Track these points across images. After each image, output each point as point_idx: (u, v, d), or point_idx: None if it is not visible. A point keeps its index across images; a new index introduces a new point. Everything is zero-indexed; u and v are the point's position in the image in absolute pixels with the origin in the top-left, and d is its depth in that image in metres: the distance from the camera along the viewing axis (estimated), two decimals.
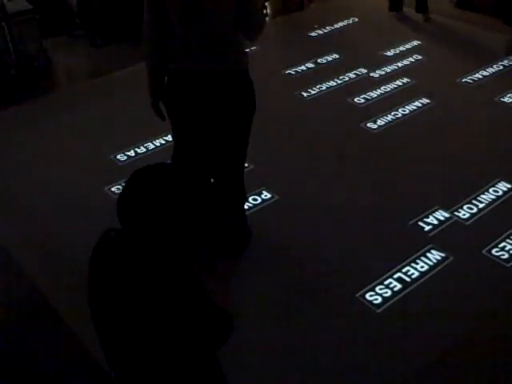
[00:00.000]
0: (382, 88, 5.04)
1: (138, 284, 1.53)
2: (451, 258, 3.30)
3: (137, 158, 4.31)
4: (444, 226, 3.53)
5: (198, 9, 2.69)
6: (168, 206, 1.53)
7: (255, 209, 3.73)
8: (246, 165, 4.12)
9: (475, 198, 3.73)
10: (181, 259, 1.59)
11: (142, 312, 1.53)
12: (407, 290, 3.12)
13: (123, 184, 1.62)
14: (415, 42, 5.84)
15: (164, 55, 2.88)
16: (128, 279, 1.55)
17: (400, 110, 4.72)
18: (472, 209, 3.65)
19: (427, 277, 3.20)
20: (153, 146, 4.40)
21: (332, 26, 6.33)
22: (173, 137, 3.23)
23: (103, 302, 1.63)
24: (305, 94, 5.02)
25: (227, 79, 2.88)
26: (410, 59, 5.53)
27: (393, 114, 4.67)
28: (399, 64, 5.45)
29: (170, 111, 3.04)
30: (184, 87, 2.92)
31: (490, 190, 3.80)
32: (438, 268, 3.25)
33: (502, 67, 5.33)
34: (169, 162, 4.00)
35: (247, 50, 2.98)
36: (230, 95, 2.91)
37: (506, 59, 5.42)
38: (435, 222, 3.56)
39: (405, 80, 5.15)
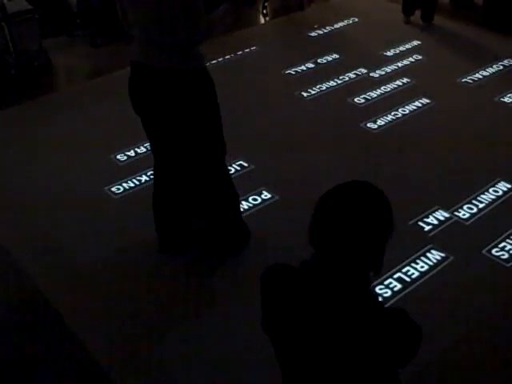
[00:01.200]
0: (382, 88, 5.04)
1: (339, 308, 1.48)
2: (451, 258, 3.30)
3: (137, 157, 4.31)
4: (444, 226, 3.53)
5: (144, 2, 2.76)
6: (370, 225, 1.47)
7: (255, 209, 3.73)
8: (246, 165, 4.14)
9: (475, 198, 3.73)
10: (367, 279, 1.53)
11: (340, 337, 1.47)
12: (407, 290, 3.12)
13: (315, 208, 1.55)
14: (415, 42, 5.84)
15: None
16: (328, 302, 1.49)
17: (400, 110, 4.72)
18: (472, 209, 3.65)
19: (427, 277, 3.20)
20: None
21: (332, 26, 6.33)
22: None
23: (291, 324, 1.56)
24: (305, 94, 5.02)
25: (173, 77, 2.87)
26: (410, 59, 5.53)
27: (393, 113, 4.67)
28: (399, 64, 5.45)
29: (132, 104, 3.10)
30: (135, 79, 2.98)
31: (490, 190, 3.80)
32: (438, 268, 3.25)
33: (501, 67, 5.33)
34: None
35: (200, 49, 2.93)
36: (176, 93, 2.90)
37: (506, 59, 5.42)
38: (435, 222, 3.56)
39: (405, 80, 5.15)
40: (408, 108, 4.74)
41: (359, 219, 1.46)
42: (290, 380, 1.68)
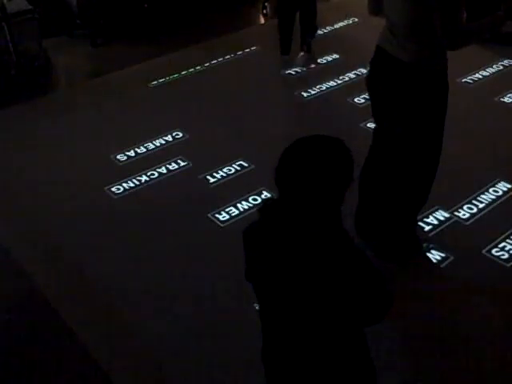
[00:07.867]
0: None
1: (302, 249, 1.58)
2: (451, 258, 3.30)
3: (137, 157, 4.31)
4: (444, 226, 3.53)
5: None
6: (329, 174, 1.60)
7: (255, 209, 3.73)
8: (246, 165, 4.14)
9: (475, 198, 3.73)
10: (330, 222, 1.68)
11: (306, 277, 1.57)
12: None
13: (283, 153, 1.65)
14: None
15: None
16: (292, 245, 1.59)
17: None
18: (472, 209, 3.65)
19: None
20: (153, 146, 4.40)
21: (332, 26, 6.33)
22: None
23: (265, 268, 1.67)
24: (305, 94, 5.01)
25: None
26: None
27: None
28: None
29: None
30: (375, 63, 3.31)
31: (490, 190, 3.80)
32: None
33: (501, 67, 5.33)
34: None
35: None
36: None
37: (506, 59, 5.42)
38: (435, 222, 3.56)
39: None
40: None
41: (321, 165, 1.60)
42: (267, 333, 1.80)
